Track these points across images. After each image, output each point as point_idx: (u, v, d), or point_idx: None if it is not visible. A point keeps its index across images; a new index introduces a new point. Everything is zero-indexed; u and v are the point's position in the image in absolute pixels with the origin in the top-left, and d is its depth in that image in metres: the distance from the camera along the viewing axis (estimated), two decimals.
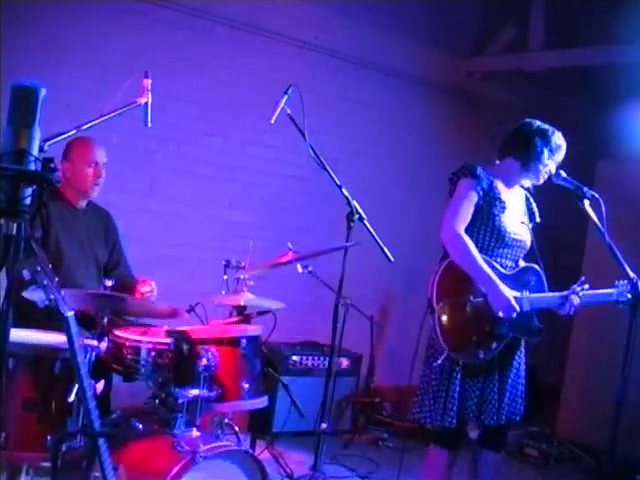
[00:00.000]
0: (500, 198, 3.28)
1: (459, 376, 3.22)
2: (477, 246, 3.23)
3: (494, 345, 3.22)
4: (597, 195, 3.10)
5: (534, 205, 3.51)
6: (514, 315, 3.17)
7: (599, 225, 3.05)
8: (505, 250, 3.30)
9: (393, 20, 5.74)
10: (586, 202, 3.11)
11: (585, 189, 3.13)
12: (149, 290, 3.54)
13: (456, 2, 6.07)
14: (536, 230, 3.48)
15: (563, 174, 3.22)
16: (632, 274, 3.02)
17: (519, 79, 6.21)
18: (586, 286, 3.32)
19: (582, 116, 6.14)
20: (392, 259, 3.43)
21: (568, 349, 5.41)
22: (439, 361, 3.17)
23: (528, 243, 3.40)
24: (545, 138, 3.31)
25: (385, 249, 3.43)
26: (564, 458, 5.10)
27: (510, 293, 3.18)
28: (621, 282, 3.26)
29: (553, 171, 3.32)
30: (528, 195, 3.49)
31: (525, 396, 3.40)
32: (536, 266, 3.39)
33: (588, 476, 4.84)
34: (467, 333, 3.18)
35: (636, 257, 3.18)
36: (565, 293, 3.30)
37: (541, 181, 3.39)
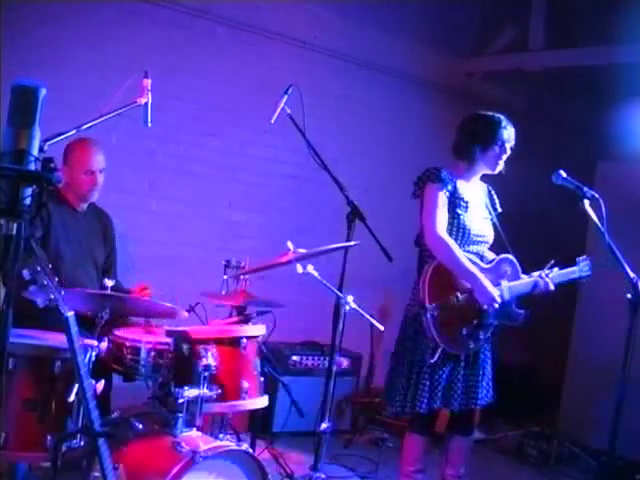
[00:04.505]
0: (463, 198, 3.49)
1: (430, 366, 3.42)
2: None
3: (481, 335, 3.48)
4: (597, 195, 3.10)
5: (495, 196, 3.73)
6: (496, 306, 3.41)
7: (599, 225, 3.06)
8: (470, 247, 3.51)
9: (393, 20, 5.73)
10: (586, 202, 3.13)
11: (585, 189, 3.14)
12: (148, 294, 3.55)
13: (456, 2, 6.07)
14: (500, 219, 3.68)
15: (563, 174, 3.22)
16: (632, 274, 3.02)
17: (519, 79, 6.21)
18: (555, 269, 3.59)
19: (582, 116, 6.14)
20: (392, 259, 3.44)
21: (568, 349, 5.41)
22: (436, 357, 3.37)
23: (491, 239, 3.62)
24: (478, 124, 3.54)
25: (385, 249, 3.44)
26: (564, 458, 5.10)
27: (492, 286, 3.41)
28: (581, 258, 3.67)
29: (498, 154, 3.51)
30: (490, 188, 3.72)
31: (494, 382, 3.65)
32: (510, 256, 3.60)
33: (588, 476, 4.84)
34: (458, 327, 3.40)
35: (636, 257, 3.17)
36: (535, 279, 3.56)
37: (497, 168, 3.56)
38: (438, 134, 6.11)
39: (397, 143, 5.99)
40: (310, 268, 3.15)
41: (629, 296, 2.99)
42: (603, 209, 3.06)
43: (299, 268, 3.13)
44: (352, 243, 3.32)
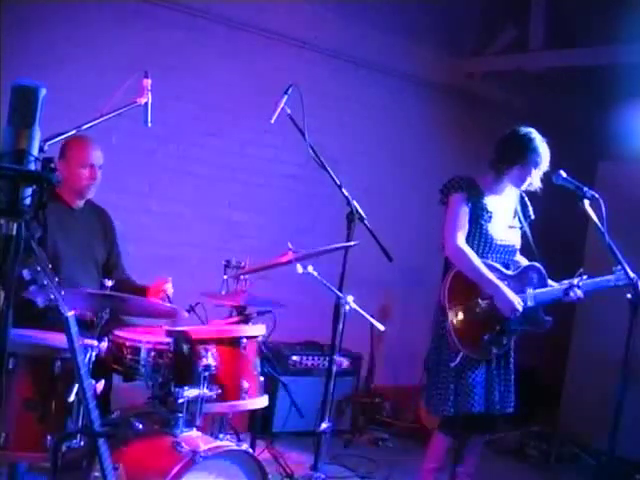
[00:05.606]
0: (487, 208, 3.52)
1: (467, 371, 3.48)
2: None
3: (505, 341, 3.52)
4: (597, 195, 3.11)
5: (529, 203, 3.72)
6: (517, 313, 3.44)
7: (599, 225, 3.06)
8: (493, 255, 3.55)
9: (393, 20, 5.73)
10: (586, 202, 3.13)
11: (585, 189, 3.15)
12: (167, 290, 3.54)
13: (456, 2, 6.07)
14: (532, 226, 3.69)
15: (563, 174, 3.23)
16: (632, 274, 3.03)
17: (519, 79, 6.20)
18: (585, 277, 3.57)
19: (582, 116, 6.14)
20: (392, 259, 3.45)
21: (568, 350, 5.41)
22: (457, 360, 3.41)
23: (517, 246, 3.65)
24: (507, 141, 3.54)
25: (385, 249, 3.44)
26: (564, 458, 5.10)
27: (512, 293, 3.44)
28: (618, 267, 3.50)
29: (534, 176, 3.50)
30: (523, 194, 3.70)
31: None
32: (536, 264, 3.61)
33: (588, 476, 4.84)
34: (479, 333, 3.45)
35: (636, 257, 3.18)
36: (565, 286, 3.56)
37: (522, 186, 3.57)
38: (438, 134, 6.14)
39: (397, 143, 5.99)
40: (310, 268, 3.16)
41: (629, 296, 3.00)
42: (603, 209, 3.06)
43: (299, 268, 3.14)
44: (352, 243, 3.32)
